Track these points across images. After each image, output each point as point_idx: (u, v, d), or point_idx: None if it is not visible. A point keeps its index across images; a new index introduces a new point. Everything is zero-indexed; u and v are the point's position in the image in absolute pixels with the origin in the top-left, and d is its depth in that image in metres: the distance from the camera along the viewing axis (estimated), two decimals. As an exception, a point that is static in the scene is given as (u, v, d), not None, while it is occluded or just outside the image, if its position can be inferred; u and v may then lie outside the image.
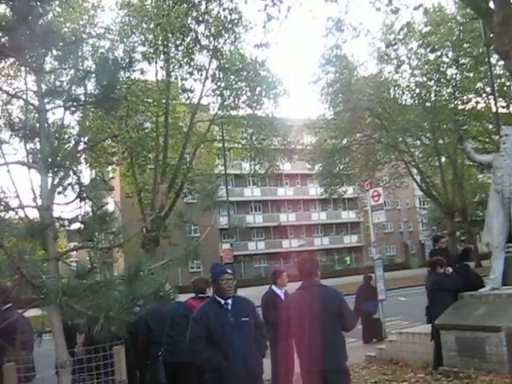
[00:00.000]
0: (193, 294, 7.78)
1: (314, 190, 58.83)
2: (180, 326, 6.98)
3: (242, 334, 5.56)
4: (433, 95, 36.78)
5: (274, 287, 9.22)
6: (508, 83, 30.63)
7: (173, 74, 29.13)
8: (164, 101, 28.49)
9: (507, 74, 22.54)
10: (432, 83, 36.03)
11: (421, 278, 36.08)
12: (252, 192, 63.15)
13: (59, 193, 4.45)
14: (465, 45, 31.81)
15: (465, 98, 36.01)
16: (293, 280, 7.40)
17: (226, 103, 31.56)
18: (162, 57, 28.27)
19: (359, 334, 14.85)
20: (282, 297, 8.87)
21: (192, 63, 28.50)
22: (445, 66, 34.63)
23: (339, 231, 68.93)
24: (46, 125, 4.78)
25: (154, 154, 29.06)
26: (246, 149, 35.46)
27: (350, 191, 46.16)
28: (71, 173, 4.66)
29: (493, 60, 24.05)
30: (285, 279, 9.25)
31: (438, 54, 33.62)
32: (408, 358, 10.71)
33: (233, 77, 30.60)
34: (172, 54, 28.15)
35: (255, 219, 61.41)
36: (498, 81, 30.20)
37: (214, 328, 5.54)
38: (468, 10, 25.67)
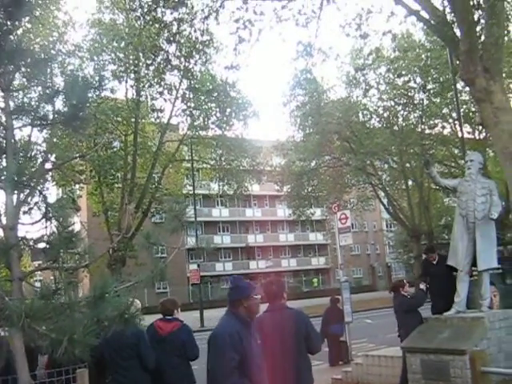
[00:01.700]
0: (160, 316, 7.68)
1: (282, 212, 59.01)
2: (128, 354, 6.72)
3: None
4: (400, 119, 37.30)
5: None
6: (473, 109, 31.20)
7: (143, 93, 29.06)
8: (133, 120, 28.39)
9: (472, 100, 23.01)
10: (400, 107, 36.54)
11: (387, 300, 36.34)
12: (220, 212, 63.03)
13: (25, 212, 4.39)
14: (432, 71, 32.36)
15: (431, 122, 36.55)
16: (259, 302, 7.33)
17: (195, 123, 31.61)
18: (132, 76, 28.21)
19: (325, 356, 14.85)
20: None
21: (162, 83, 28.48)
22: (412, 91, 35.15)
23: (307, 253, 69.08)
24: (13, 142, 4.71)
25: (123, 172, 28.86)
26: (214, 169, 35.47)
27: (318, 213, 46.35)
28: (37, 191, 4.60)
29: (459, 86, 24.50)
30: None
31: (406, 79, 34.16)
32: (374, 380, 10.73)
33: (203, 97, 30.67)
34: (142, 74, 28.09)
35: (223, 240, 61.26)
36: (464, 107, 30.77)
37: (248, 355, 4.78)
38: (435, 38, 26.20)
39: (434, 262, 10.71)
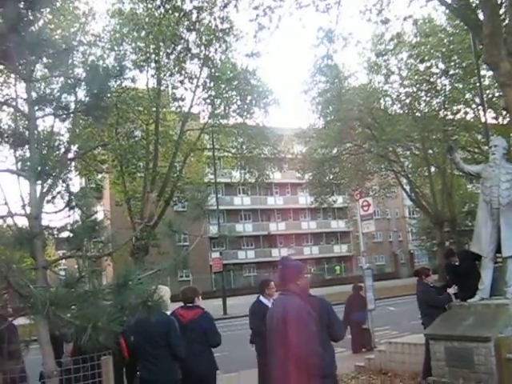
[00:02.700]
0: (181, 303, 7.72)
1: (304, 199, 58.92)
2: (158, 343, 6.83)
3: None
4: (423, 105, 36.96)
5: (261, 297, 9.15)
6: (497, 94, 30.80)
7: (163, 82, 29.15)
8: (154, 109, 28.46)
9: (496, 84, 22.72)
10: (422, 93, 36.18)
11: (410, 287, 36.21)
12: (242, 201, 63.09)
13: (48, 201, 4.43)
14: (454, 56, 31.97)
15: (454, 108, 36.16)
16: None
17: (216, 112, 31.61)
18: (152, 65, 28.29)
19: (348, 343, 14.84)
20: (270, 306, 8.82)
21: (183, 72, 28.52)
22: (435, 76, 34.77)
23: (329, 240, 68.97)
24: (36, 132, 4.75)
25: (144, 162, 29.00)
26: (236, 157, 35.48)
27: (339, 200, 46.21)
28: (60, 181, 4.64)
29: (482, 71, 24.19)
30: (272, 289, 9.13)
31: (428, 64, 33.79)
32: (397, 368, 10.70)
33: (223, 86, 30.65)
34: (163, 63, 28.16)
35: (245, 228, 61.34)
36: (488, 91, 30.38)
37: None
38: (458, 22, 25.88)
39: (457, 263, 10.61)
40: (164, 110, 30.02)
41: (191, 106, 30.48)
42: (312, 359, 4.71)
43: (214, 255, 43.92)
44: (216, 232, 39.22)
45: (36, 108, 4.76)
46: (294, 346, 4.56)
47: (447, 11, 18.85)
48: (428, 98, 36.56)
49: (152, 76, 28.90)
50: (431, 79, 34.70)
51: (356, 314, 15.36)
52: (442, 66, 34.00)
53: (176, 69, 28.26)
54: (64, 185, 4.47)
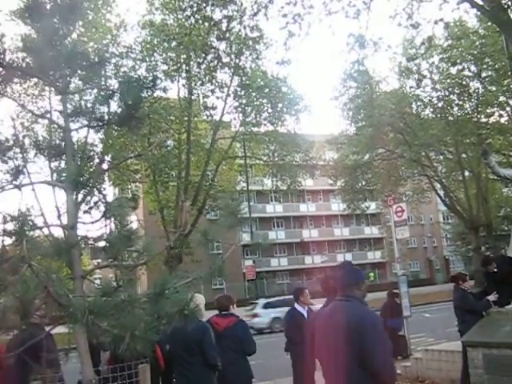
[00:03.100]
0: (216, 312, 7.75)
1: (337, 206, 58.65)
2: (194, 351, 6.88)
3: None
4: (455, 109, 36.53)
5: (296, 305, 9.12)
6: (532, 96, 30.39)
7: (195, 91, 29.36)
8: (186, 118, 28.67)
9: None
10: (454, 97, 35.78)
11: (445, 293, 35.86)
12: (274, 208, 63.04)
13: (85, 211, 4.49)
14: (487, 58, 31.58)
15: (488, 111, 35.69)
16: (317, 297, 7.34)
17: (247, 120, 31.71)
18: (183, 75, 28.53)
19: (384, 351, 14.67)
20: (305, 314, 8.79)
21: (214, 81, 28.70)
22: (467, 79, 34.39)
23: (362, 247, 68.51)
24: (72, 143, 4.83)
25: (177, 171, 29.21)
26: (267, 165, 35.51)
27: (372, 207, 45.89)
28: (96, 191, 4.70)
29: (516, 73, 23.84)
30: (307, 297, 9.09)
31: (460, 67, 33.43)
32: (434, 375, 10.55)
33: (254, 94, 30.75)
34: (194, 72, 28.39)
35: (277, 235, 61.22)
36: (522, 94, 29.96)
37: None
38: (489, 24, 25.56)
39: (495, 270, 10.42)
40: (195, 119, 30.22)
41: (222, 115, 30.66)
42: (393, 375, 4.54)
43: (247, 263, 43.96)
44: (249, 240, 39.29)
45: (71, 120, 4.84)
46: (370, 359, 4.22)
47: (478, 13, 18.63)
48: (461, 102, 36.13)
49: (183, 86, 29.16)
50: (463, 82, 34.32)
51: (391, 320, 15.18)
52: (474, 68, 33.62)
53: (207, 78, 28.46)
54: (100, 195, 4.53)
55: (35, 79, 6.79)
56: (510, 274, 9.64)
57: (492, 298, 9.97)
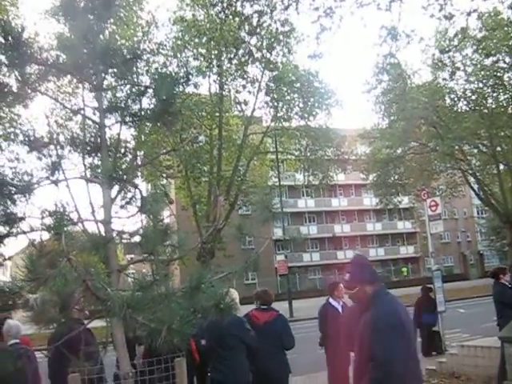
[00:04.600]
0: (250, 306, 7.78)
1: (369, 201, 58.37)
2: (228, 345, 6.92)
3: None
4: (490, 101, 35.93)
5: (330, 299, 9.10)
6: None
7: (226, 86, 29.41)
8: (217, 114, 28.76)
9: None
10: (488, 89, 35.19)
11: (480, 289, 35.47)
12: (306, 203, 62.95)
13: (121, 206, 4.54)
14: (522, 49, 31.02)
15: (523, 103, 35.08)
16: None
17: (279, 115, 31.67)
18: (215, 70, 28.59)
19: (418, 346, 14.58)
20: (340, 309, 8.77)
21: (245, 76, 28.73)
22: (501, 71, 33.79)
23: (395, 242, 68.01)
24: (106, 140, 4.88)
25: (209, 166, 29.33)
26: (299, 160, 35.43)
27: (405, 201, 45.50)
28: (131, 186, 4.74)
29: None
30: (341, 291, 9.06)
31: (494, 59, 32.83)
32: (470, 371, 10.44)
33: (285, 88, 30.69)
34: (225, 68, 28.43)
35: (309, 230, 61.12)
36: (558, 85, 29.36)
37: None
38: (525, 14, 25.08)
39: None
40: (227, 114, 30.29)
41: (254, 110, 30.69)
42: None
43: (279, 258, 43.96)
44: (281, 235, 39.29)
45: (105, 116, 4.89)
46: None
47: (514, 3, 18.28)
48: (495, 94, 35.53)
49: (214, 81, 29.24)
50: (498, 74, 33.73)
51: (426, 316, 15.08)
52: (509, 60, 33.03)
53: (238, 73, 28.50)
54: (136, 190, 4.58)
55: (69, 77, 6.86)
56: None
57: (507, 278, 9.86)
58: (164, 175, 28.39)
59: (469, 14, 14.91)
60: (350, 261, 4.72)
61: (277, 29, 25.05)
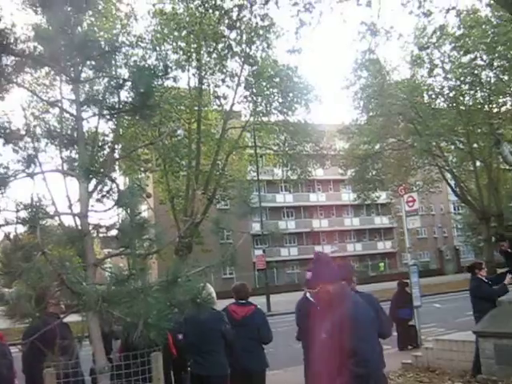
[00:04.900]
0: (229, 301, 7.78)
1: (347, 196, 58.58)
2: (210, 339, 6.93)
3: None
4: (467, 98, 36.27)
5: (307, 294, 9.11)
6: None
7: (205, 81, 29.31)
8: (196, 108, 28.66)
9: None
10: (466, 86, 35.49)
11: (456, 284, 35.82)
12: (284, 198, 63.07)
13: (98, 200, 4.50)
14: (499, 47, 31.29)
15: (500, 100, 35.44)
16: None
17: (257, 109, 31.65)
18: (194, 64, 28.46)
19: (394, 340, 14.70)
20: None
21: (224, 70, 28.64)
22: (479, 68, 34.10)
23: (372, 237, 68.44)
24: (83, 133, 4.83)
25: (187, 160, 29.23)
26: (278, 155, 35.46)
27: (383, 197, 45.83)
28: (109, 180, 4.70)
29: (528, 62, 23.66)
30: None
31: (472, 56, 33.13)
32: (445, 365, 10.54)
33: (265, 83, 30.66)
34: (204, 61, 28.31)
35: (288, 225, 61.24)
36: (535, 83, 29.70)
37: None
38: (502, 12, 25.30)
39: (510, 250, 10.46)
40: (206, 108, 30.20)
41: (233, 104, 30.62)
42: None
43: (257, 252, 44.02)
44: (258, 229, 39.30)
45: (83, 108, 4.85)
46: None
47: (491, 1, 18.42)
48: (472, 91, 35.85)
49: (193, 75, 29.11)
50: (475, 72, 34.02)
51: (402, 310, 15.19)
52: (486, 57, 33.32)
53: (217, 67, 28.40)
54: (112, 184, 4.54)
55: (46, 69, 6.79)
56: None
57: (508, 280, 10.00)
58: (142, 169, 28.21)
59: (447, 11, 15.02)
60: (312, 259, 4.67)
61: (256, 23, 24.97)
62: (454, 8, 14.93)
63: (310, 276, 4.48)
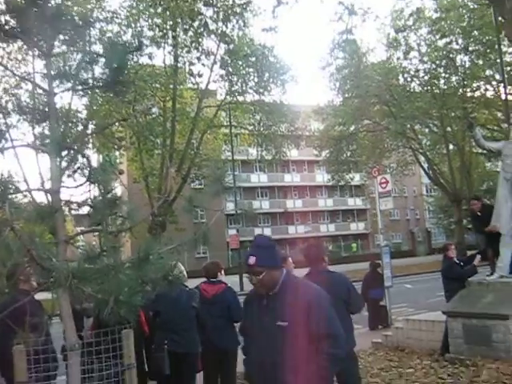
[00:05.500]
0: (200, 280, 7.81)
1: (321, 177, 58.84)
2: (188, 317, 7.00)
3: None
4: (442, 82, 36.54)
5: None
6: (518, 71, 30.39)
7: (181, 58, 29.02)
8: (172, 86, 28.42)
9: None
10: (441, 70, 35.75)
11: (427, 265, 36.30)
12: (259, 178, 63.14)
13: (69, 176, 4.45)
14: (475, 31, 31.51)
15: (474, 85, 35.75)
16: (299, 266, 7.40)
17: (233, 89, 31.49)
18: (170, 41, 28.16)
19: (365, 320, 14.91)
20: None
21: (200, 48, 28.38)
22: (454, 52, 34.33)
23: (346, 218, 68.96)
24: (56, 108, 4.75)
25: (162, 139, 29.03)
26: (253, 135, 35.37)
27: (357, 178, 46.11)
28: (80, 156, 4.64)
29: (503, 47, 23.86)
30: (290, 265, 9.15)
31: (448, 40, 33.34)
32: (414, 344, 10.72)
33: (241, 62, 30.48)
34: (180, 39, 28.02)
35: (262, 205, 61.39)
36: (508, 68, 29.95)
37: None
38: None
39: (479, 213, 10.66)
40: (181, 86, 29.95)
41: (208, 83, 30.40)
42: None
43: (231, 232, 44.10)
44: (233, 209, 39.32)
45: (55, 84, 4.76)
46: None
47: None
48: (447, 75, 36.12)
49: (169, 53, 28.80)
50: (451, 55, 34.26)
51: (373, 291, 15.38)
52: (462, 41, 33.55)
53: (193, 45, 28.12)
54: (84, 159, 4.48)
55: (19, 43, 6.66)
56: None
57: (477, 261, 10.19)
58: (116, 147, 27.96)
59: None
60: (254, 242, 4.31)
61: (233, 1, 24.87)
62: (430, -10, 14.99)
63: (254, 261, 4.10)
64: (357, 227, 68.58)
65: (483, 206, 10.75)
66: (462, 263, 10.63)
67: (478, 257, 10.40)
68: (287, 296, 4.04)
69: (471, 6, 31.20)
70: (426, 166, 41.05)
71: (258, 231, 60.85)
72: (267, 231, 62.39)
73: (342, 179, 41.46)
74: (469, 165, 39.65)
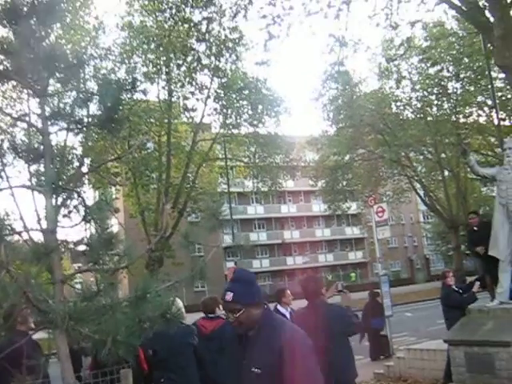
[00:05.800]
0: (200, 315, 7.74)
1: (318, 207, 58.90)
2: (184, 355, 6.91)
3: None
4: (434, 109, 36.81)
5: (278, 306, 9.12)
6: (509, 96, 30.64)
7: (175, 93, 29.22)
8: (166, 120, 28.55)
9: (508, 86, 22.61)
10: (433, 97, 36.05)
11: (426, 292, 36.11)
12: (255, 210, 63.11)
13: (64, 215, 4.44)
14: (465, 59, 31.84)
15: (466, 111, 35.98)
16: (298, 297, 7.37)
17: (227, 122, 31.66)
18: (163, 77, 28.38)
19: (366, 351, 14.78)
20: (288, 315, 8.79)
21: (194, 82, 28.60)
22: (446, 80, 34.65)
23: (344, 247, 68.81)
24: (51, 147, 4.77)
25: (157, 173, 29.06)
26: (248, 167, 35.49)
27: (353, 207, 46.13)
28: (76, 195, 4.64)
29: (493, 73, 24.10)
30: (289, 297, 9.13)
31: (439, 68, 33.67)
32: (417, 374, 10.62)
33: (234, 95, 30.71)
34: (174, 74, 28.25)
35: (259, 237, 61.29)
36: (500, 94, 30.19)
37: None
38: (468, 25, 25.76)
39: (476, 228, 10.69)
40: (176, 121, 30.09)
41: (203, 117, 30.58)
42: None
43: (229, 265, 43.87)
44: (230, 242, 39.21)
45: (50, 123, 4.78)
46: None
47: (457, 14, 18.79)
48: (439, 102, 36.40)
49: (163, 88, 29.00)
50: (442, 83, 34.57)
51: (373, 320, 15.28)
52: (452, 69, 33.87)
53: (187, 80, 28.32)
54: (79, 198, 4.48)
55: (13, 82, 6.70)
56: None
57: (476, 288, 10.16)
58: (111, 183, 27.96)
59: (413, 24, 15.29)
60: (233, 276, 3.92)
61: (226, 36, 25.12)
62: (419, 21, 15.22)
63: (231, 297, 3.71)
64: (355, 256, 68.41)
65: (481, 222, 10.79)
66: (461, 290, 10.59)
67: (477, 283, 10.37)
68: (263, 339, 3.57)
69: (460, 34, 31.55)
70: (421, 192, 41.14)
71: (256, 263, 60.79)
72: (265, 263, 62.23)
73: (338, 209, 41.43)
74: (464, 190, 39.71)
